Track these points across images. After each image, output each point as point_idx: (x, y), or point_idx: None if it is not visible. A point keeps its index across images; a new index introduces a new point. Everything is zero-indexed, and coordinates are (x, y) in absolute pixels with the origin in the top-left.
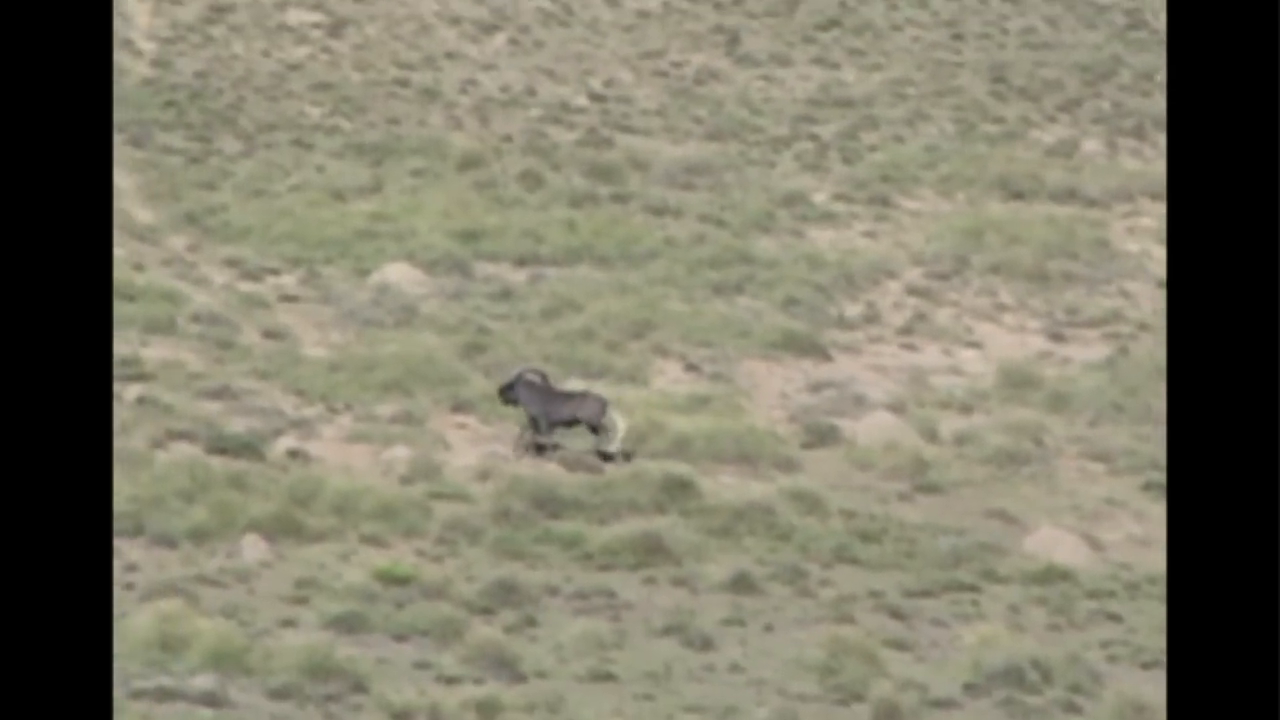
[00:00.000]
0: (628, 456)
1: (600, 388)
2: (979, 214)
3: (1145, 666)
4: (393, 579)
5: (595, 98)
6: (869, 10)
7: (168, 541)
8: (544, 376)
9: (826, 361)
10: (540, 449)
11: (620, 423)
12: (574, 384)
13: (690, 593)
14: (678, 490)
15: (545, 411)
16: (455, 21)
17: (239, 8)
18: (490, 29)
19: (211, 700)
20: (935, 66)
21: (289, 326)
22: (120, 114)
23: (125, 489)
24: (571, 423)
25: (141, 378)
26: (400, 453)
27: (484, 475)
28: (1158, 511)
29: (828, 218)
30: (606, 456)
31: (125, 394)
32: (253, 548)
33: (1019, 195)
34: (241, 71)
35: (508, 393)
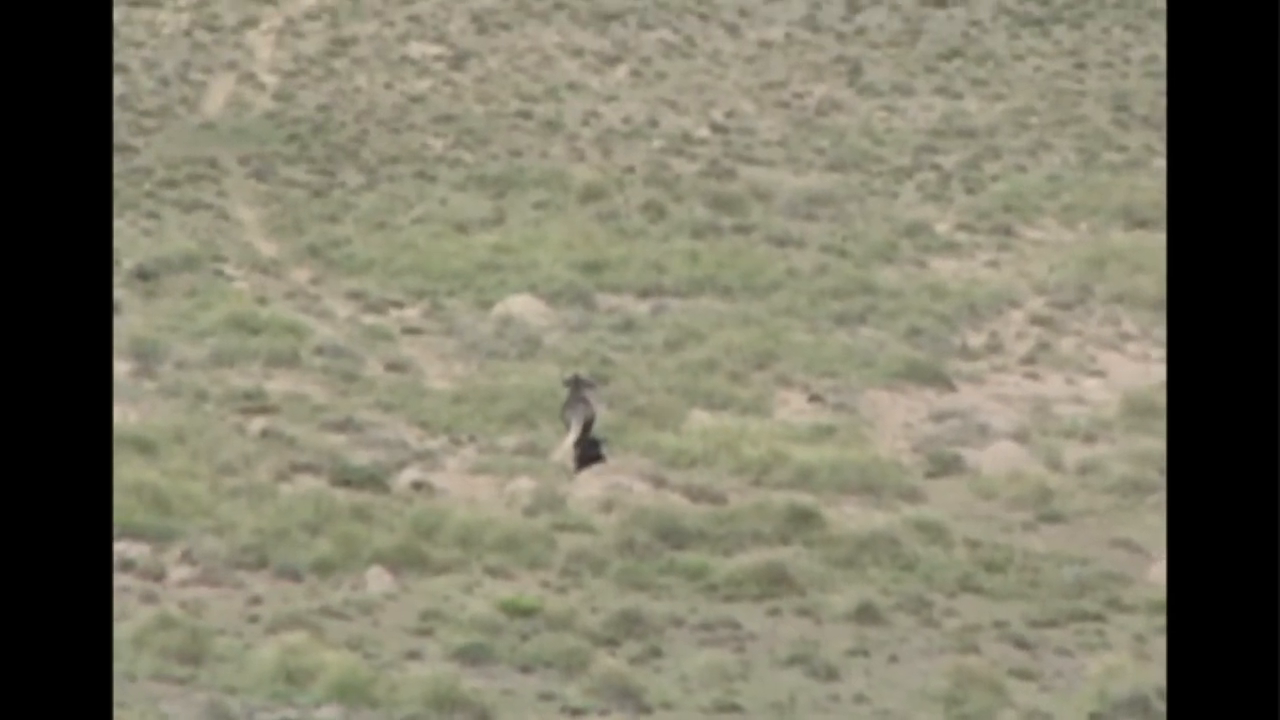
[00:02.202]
0: (591, 454)
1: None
2: (1102, 243)
3: None
4: (517, 610)
5: (717, 129)
6: (991, 40)
7: (292, 574)
8: (576, 382)
9: (950, 391)
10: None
11: (568, 440)
12: (697, 416)
13: (815, 623)
14: (802, 521)
15: (562, 412)
16: (577, 53)
17: (361, 40)
18: (612, 60)
19: None
20: (1057, 96)
21: (412, 359)
22: (243, 147)
23: (250, 521)
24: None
25: (266, 410)
26: (524, 484)
27: (608, 506)
28: None
29: (950, 248)
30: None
31: (250, 427)
32: (377, 580)
33: (1142, 224)
34: (364, 104)
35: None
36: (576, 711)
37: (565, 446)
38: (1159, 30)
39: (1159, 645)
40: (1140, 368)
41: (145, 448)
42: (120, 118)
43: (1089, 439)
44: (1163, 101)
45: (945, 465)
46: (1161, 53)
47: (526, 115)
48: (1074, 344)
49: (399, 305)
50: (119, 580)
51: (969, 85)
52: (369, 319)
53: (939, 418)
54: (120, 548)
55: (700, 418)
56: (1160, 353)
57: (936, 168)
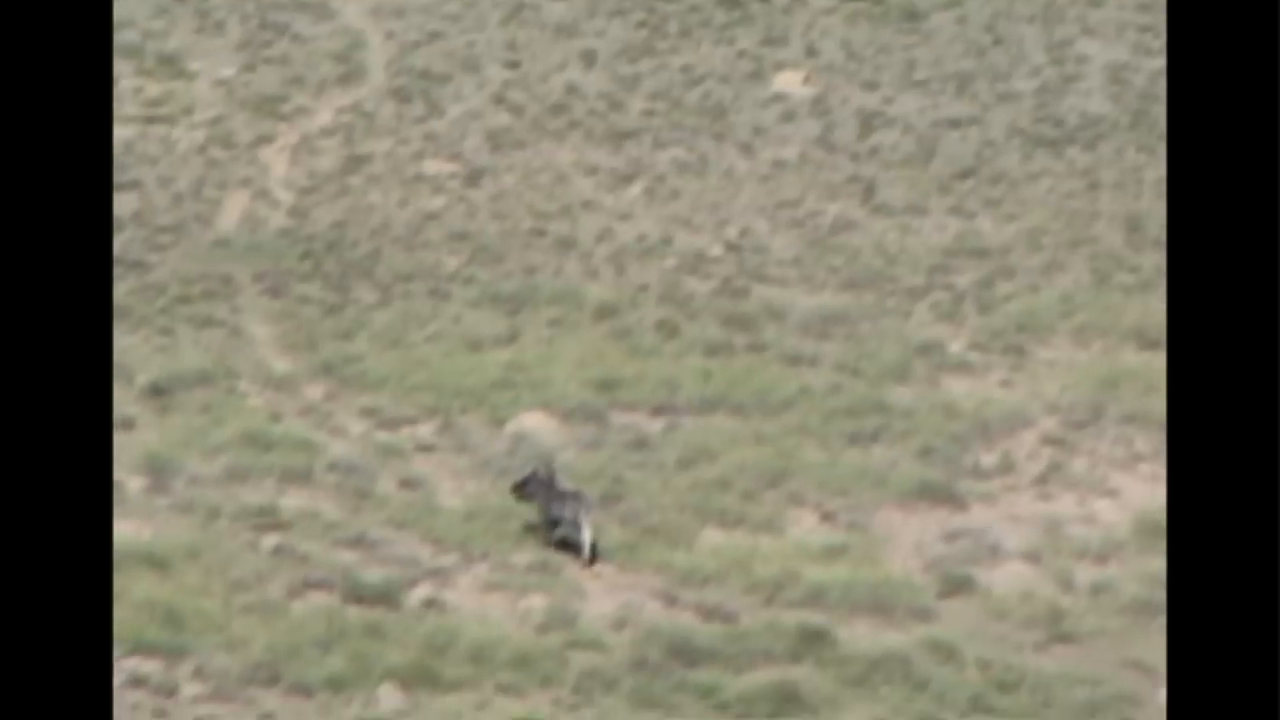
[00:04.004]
0: (592, 559)
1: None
2: (1114, 363)
3: None
4: None
5: (731, 247)
6: (1004, 160)
7: (304, 691)
8: (552, 474)
9: (962, 511)
10: (563, 545)
11: (586, 535)
12: (709, 534)
13: None
14: (813, 640)
15: (547, 508)
16: (592, 171)
17: (376, 158)
18: (626, 179)
19: None
20: (1071, 216)
21: (425, 476)
22: (257, 264)
23: (262, 638)
24: (560, 521)
25: (278, 527)
26: (536, 601)
27: (620, 624)
28: None
29: (963, 367)
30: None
31: (262, 543)
32: (389, 697)
33: (1154, 345)
34: (378, 221)
35: (523, 489)
36: None
37: (585, 543)
38: None
39: None
40: (1152, 488)
41: (158, 564)
42: (134, 234)
43: (1100, 559)
44: None
45: (957, 585)
46: None
47: (541, 233)
48: (1086, 464)
49: (412, 422)
50: (130, 697)
51: (982, 205)
52: (382, 436)
53: (951, 537)
54: (132, 664)
55: (712, 536)
56: None
57: (949, 287)
